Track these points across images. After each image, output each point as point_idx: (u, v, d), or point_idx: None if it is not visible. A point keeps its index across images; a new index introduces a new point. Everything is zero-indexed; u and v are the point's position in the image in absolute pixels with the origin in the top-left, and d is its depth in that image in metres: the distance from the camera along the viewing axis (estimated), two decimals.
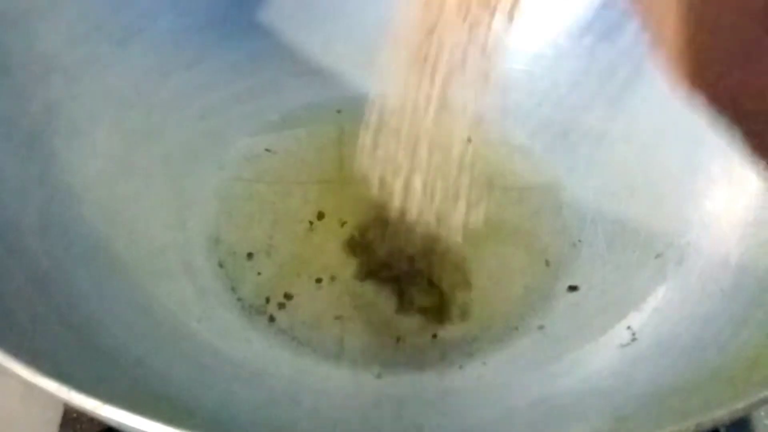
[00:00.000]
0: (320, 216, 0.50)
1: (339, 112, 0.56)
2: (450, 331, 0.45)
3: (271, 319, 0.45)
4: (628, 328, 0.42)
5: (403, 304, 0.45)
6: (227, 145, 0.53)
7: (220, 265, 0.47)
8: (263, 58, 0.56)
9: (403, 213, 0.48)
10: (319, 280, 0.47)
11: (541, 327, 0.45)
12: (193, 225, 0.48)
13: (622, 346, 0.41)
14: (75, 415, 0.43)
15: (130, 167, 0.48)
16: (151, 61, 0.52)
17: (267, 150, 0.54)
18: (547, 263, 0.48)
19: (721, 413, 0.27)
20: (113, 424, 0.28)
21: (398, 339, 0.44)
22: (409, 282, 0.46)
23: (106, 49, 0.50)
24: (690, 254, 0.44)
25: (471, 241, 0.48)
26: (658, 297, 0.43)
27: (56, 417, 0.45)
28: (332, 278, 0.47)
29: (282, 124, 0.55)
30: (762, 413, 0.42)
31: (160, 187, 0.49)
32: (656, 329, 0.41)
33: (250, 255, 0.48)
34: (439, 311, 0.45)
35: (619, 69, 0.53)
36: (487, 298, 0.46)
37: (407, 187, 0.45)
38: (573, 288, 0.46)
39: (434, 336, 0.44)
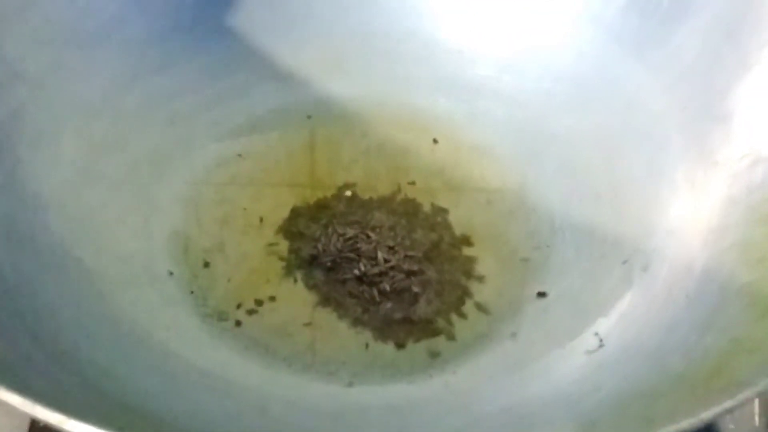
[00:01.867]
0: (290, 221, 0.50)
1: (309, 117, 0.56)
2: (419, 339, 0.45)
3: (241, 326, 0.45)
4: (596, 334, 0.42)
5: (370, 309, 0.45)
6: (197, 151, 0.53)
7: (190, 273, 0.47)
8: (233, 62, 0.56)
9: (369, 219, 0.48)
10: (290, 286, 0.47)
11: (513, 334, 0.45)
12: (161, 233, 0.48)
13: (590, 352, 0.42)
14: (42, 424, 0.43)
15: (97, 175, 0.48)
16: (118, 66, 0.52)
17: (238, 155, 0.53)
18: (515, 268, 0.48)
19: (685, 424, 0.27)
20: None
21: (367, 346, 0.44)
22: (377, 285, 0.46)
23: (72, 55, 0.50)
24: (655, 260, 0.44)
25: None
26: (625, 303, 0.44)
27: (23, 426, 0.44)
28: (303, 284, 0.47)
29: (252, 129, 0.55)
30: (727, 417, 0.42)
31: (128, 194, 0.48)
32: (622, 335, 0.42)
33: (219, 262, 0.47)
34: (408, 319, 0.45)
35: (585, 74, 0.54)
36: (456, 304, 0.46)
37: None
38: (542, 294, 0.46)
39: (403, 345, 0.44)
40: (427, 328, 0.45)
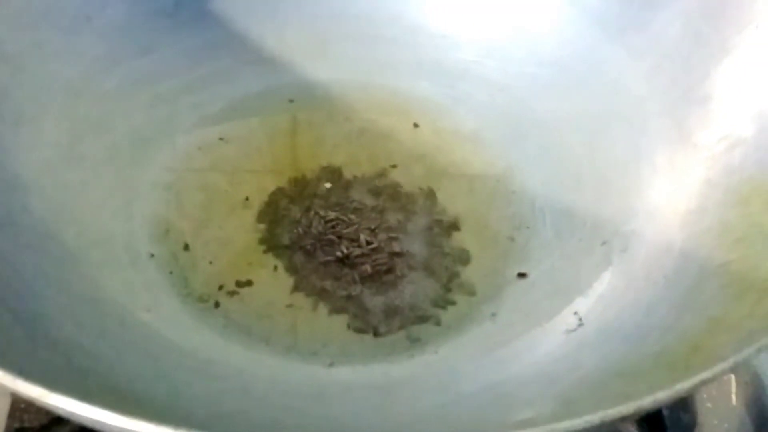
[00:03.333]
0: (271, 204, 0.50)
1: (291, 101, 0.56)
2: (401, 320, 0.45)
3: (222, 308, 0.45)
4: (575, 313, 0.43)
5: (352, 294, 0.46)
6: (178, 134, 0.53)
7: (170, 255, 0.46)
8: (215, 46, 0.56)
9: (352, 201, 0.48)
10: (272, 269, 0.47)
11: (493, 314, 0.45)
12: (143, 215, 0.48)
13: (569, 331, 0.42)
14: (23, 405, 0.43)
15: (78, 156, 0.48)
16: (100, 49, 0.52)
17: (220, 139, 0.53)
18: (497, 250, 0.48)
19: (662, 395, 0.27)
20: (61, 413, 0.28)
21: (348, 326, 0.44)
22: (358, 267, 0.46)
23: (53, 37, 0.49)
24: (634, 241, 0.45)
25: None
26: (604, 283, 0.44)
27: (4, 407, 0.44)
28: (285, 267, 0.47)
29: (234, 113, 0.55)
30: (705, 396, 0.43)
31: (109, 176, 0.48)
32: (602, 315, 0.42)
33: (200, 244, 0.47)
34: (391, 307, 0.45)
35: (568, 58, 0.54)
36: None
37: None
38: (522, 275, 0.46)
39: (385, 326, 0.44)
40: (411, 316, 0.45)
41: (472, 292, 0.46)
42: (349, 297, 0.45)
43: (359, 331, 0.44)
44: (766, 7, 0.45)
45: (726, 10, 0.47)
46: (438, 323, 0.44)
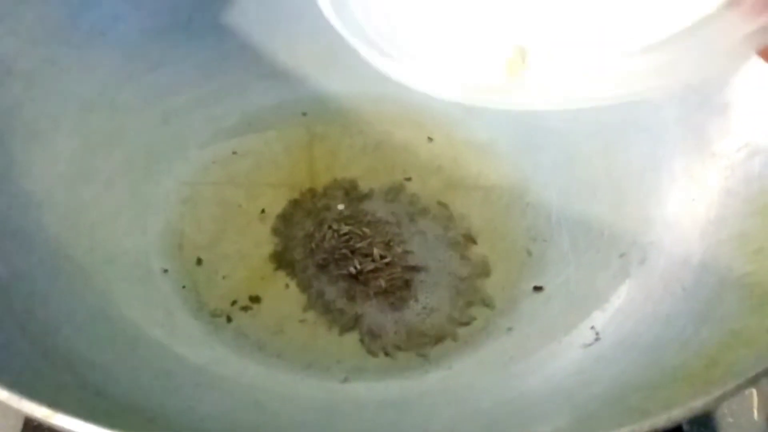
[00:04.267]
0: (286, 218, 0.49)
1: (305, 114, 0.55)
2: (417, 335, 0.44)
3: (235, 323, 0.44)
4: (592, 327, 0.42)
5: (364, 313, 0.45)
6: (192, 148, 0.53)
7: (184, 270, 0.46)
8: (228, 60, 0.56)
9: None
10: (284, 285, 0.46)
11: (509, 329, 0.44)
12: (156, 230, 0.48)
13: (586, 345, 0.41)
14: (36, 423, 0.43)
15: (91, 172, 0.48)
16: (112, 64, 0.51)
17: (234, 153, 0.53)
18: (513, 263, 0.47)
19: (678, 413, 0.27)
20: None
21: (362, 341, 0.44)
22: (371, 282, 0.46)
23: (66, 52, 0.49)
24: (652, 253, 0.44)
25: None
26: (621, 296, 0.43)
27: (17, 425, 0.44)
28: (297, 283, 0.46)
29: (248, 127, 0.55)
30: (726, 411, 0.42)
31: (122, 191, 0.48)
32: (619, 328, 0.41)
33: (213, 259, 0.47)
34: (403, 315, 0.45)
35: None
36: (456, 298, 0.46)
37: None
38: (538, 288, 0.46)
39: (397, 348, 0.44)
40: (427, 336, 0.44)
41: (489, 306, 0.45)
42: (361, 315, 0.45)
43: (371, 353, 0.43)
44: None
45: None
46: (454, 339, 0.44)
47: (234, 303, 0.45)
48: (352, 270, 0.46)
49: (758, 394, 0.42)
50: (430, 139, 0.54)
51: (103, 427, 0.26)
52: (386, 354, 0.43)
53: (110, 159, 0.49)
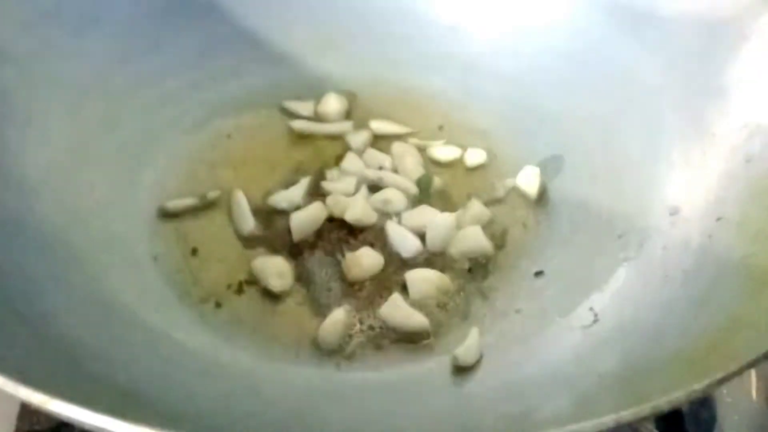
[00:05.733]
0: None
1: (300, 96, 0.55)
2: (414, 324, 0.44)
3: (231, 307, 0.44)
4: (590, 309, 0.42)
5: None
6: (187, 131, 0.52)
7: (180, 254, 0.46)
8: (223, 43, 0.56)
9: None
10: (280, 267, 0.46)
11: (510, 311, 0.44)
12: (151, 214, 0.48)
13: (585, 327, 0.41)
14: (32, 408, 0.42)
15: (86, 157, 0.47)
16: (107, 48, 0.51)
17: (228, 136, 0.53)
18: (512, 247, 0.47)
19: (678, 396, 0.27)
20: (64, 419, 0.28)
21: (361, 321, 0.43)
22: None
23: (60, 37, 0.49)
24: (651, 236, 0.44)
25: None
26: (620, 279, 0.43)
27: (14, 410, 0.44)
28: (296, 265, 0.46)
29: (244, 109, 0.54)
30: (724, 392, 0.42)
31: (117, 175, 0.48)
32: (618, 311, 0.41)
33: (209, 243, 0.47)
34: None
35: (581, 51, 0.53)
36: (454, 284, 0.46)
37: None
38: (539, 273, 0.46)
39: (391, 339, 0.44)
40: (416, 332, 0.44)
41: (488, 289, 0.45)
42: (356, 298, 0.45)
43: (369, 340, 0.43)
44: None
45: None
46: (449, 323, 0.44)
47: (229, 287, 0.45)
48: (345, 255, 0.46)
49: (757, 376, 0.42)
50: (426, 120, 0.54)
51: (100, 413, 0.26)
52: (381, 344, 0.43)
53: (105, 143, 0.49)
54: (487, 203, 0.49)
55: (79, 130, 0.48)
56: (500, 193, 0.50)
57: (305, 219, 0.47)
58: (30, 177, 0.44)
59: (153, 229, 0.47)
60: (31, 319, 0.37)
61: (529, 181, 0.50)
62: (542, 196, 0.50)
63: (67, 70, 0.49)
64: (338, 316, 0.43)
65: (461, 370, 0.41)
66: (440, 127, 0.54)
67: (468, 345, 0.41)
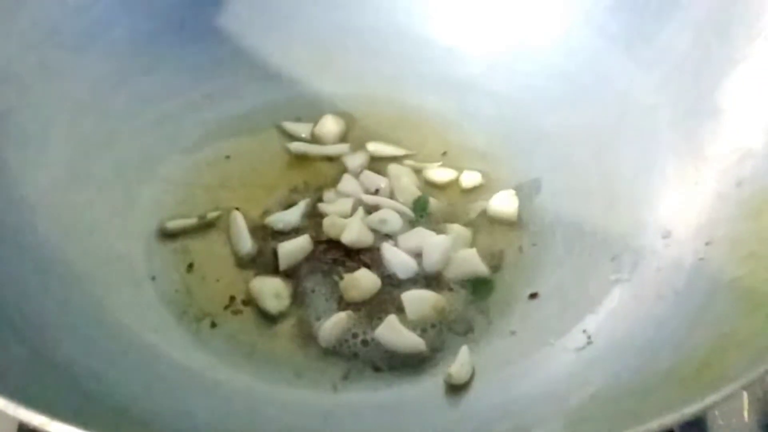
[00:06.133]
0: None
1: (299, 116, 0.55)
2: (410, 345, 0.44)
3: (228, 327, 0.44)
4: (584, 331, 0.42)
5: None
6: (185, 151, 0.53)
7: (177, 274, 0.46)
8: (221, 63, 0.56)
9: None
10: (276, 288, 0.46)
11: (512, 332, 0.44)
12: (149, 234, 0.48)
13: (578, 349, 0.41)
14: (30, 428, 0.43)
15: (85, 176, 0.48)
16: (106, 67, 0.52)
17: (227, 156, 0.53)
18: (506, 267, 0.47)
19: (671, 419, 0.27)
20: None
21: (356, 355, 0.43)
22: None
23: (59, 56, 0.50)
24: (645, 256, 0.44)
25: None
26: (614, 300, 0.43)
27: (12, 429, 0.44)
28: (293, 285, 0.46)
29: (241, 130, 0.55)
30: (717, 413, 0.42)
31: (116, 195, 0.48)
32: (611, 332, 0.42)
33: (207, 263, 0.47)
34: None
35: (576, 71, 0.54)
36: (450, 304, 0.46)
37: None
38: (533, 296, 0.46)
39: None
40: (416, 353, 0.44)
41: (483, 311, 0.45)
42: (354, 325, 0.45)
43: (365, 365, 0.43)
44: None
45: (735, 21, 0.47)
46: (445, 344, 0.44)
47: (226, 307, 0.45)
48: (341, 278, 0.46)
49: (749, 396, 0.42)
50: (423, 140, 0.54)
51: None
52: (376, 369, 0.43)
53: (103, 163, 0.49)
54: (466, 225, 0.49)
55: (77, 149, 0.48)
56: (472, 215, 0.50)
57: (291, 250, 0.47)
58: (29, 196, 0.45)
59: (151, 248, 0.47)
60: (29, 337, 0.38)
61: (503, 203, 0.50)
62: (521, 218, 0.50)
63: (66, 89, 0.49)
64: (341, 317, 0.44)
65: (455, 388, 0.41)
66: (444, 153, 0.54)
67: (460, 363, 0.42)
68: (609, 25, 0.53)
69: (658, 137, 0.49)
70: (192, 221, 0.49)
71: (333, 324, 0.44)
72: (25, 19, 0.48)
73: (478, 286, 0.46)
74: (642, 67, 0.51)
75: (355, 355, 0.43)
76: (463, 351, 0.42)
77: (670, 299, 0.41)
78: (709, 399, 0.27)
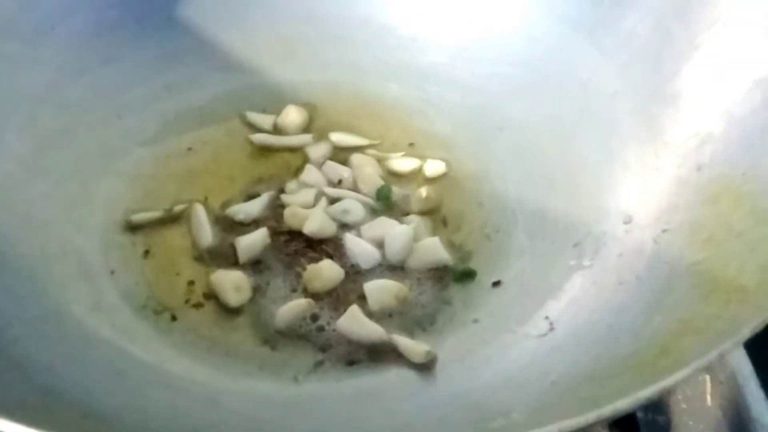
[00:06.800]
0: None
1: (261, 105, 0.55)
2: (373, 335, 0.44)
3: (189, 321, 0.44)
4: (546, 317, 0.42)
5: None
6: (145, 144, 0.52)
7: (137, 269, 0.46)
8: (182, 53, 0.56)
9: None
10: (237, 281, 0.45)
11: (475, 320, 0.44)
12: (108, 227, 0.47)
13: (540, 336, 0.41)
14: None
15: (42, 169, 0.47)
16: (63, 59, 0.51)
17: (189, 148, 0.53)
18: (469, 254, 0.47)
19: (625, 403, 0.27)
20: None
21: (318, 346, 0.43)
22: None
23: (15, 48, 0.49)
24: (606, 242, 0.45)
25: None
26: (575, 286, 0.43)
27: None
28: (255, 277, 0.46)
29: (203, 120, 0.54)
30: (679, 397, 0.42)
31: (74, 188, 0.48)
32: (573, 318, 0.42)
33: (167, 256, 0.47)
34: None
35: (538, 58, 0.54)
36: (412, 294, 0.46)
37: None
38: (497, 283, 0.46)
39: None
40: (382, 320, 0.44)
41: (446, 299, 0.45)
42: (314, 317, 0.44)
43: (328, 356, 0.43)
44: (733, 3, 0.45)
45: (694, 7, 0.47)
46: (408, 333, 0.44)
47: (187, 301, 0.45)
48: (303, 269, 0.46)
49: (711, 380, 0.43)
50: (386, 129, 0.54)
51: (45, 429, 0.26)
52: (341, 359, 0.43)
53: (62, 155, 0.48)
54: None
55: (34, 141, 0.48)
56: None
57: (249, 243, 0.46)
58: None
59: (110, 242, 0.46)
60: None
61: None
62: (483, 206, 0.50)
63: (23, 80, 0.49)
64: (300, 302, 0.44)
65: (419, 377, 0.41)
66: (410, 144, 0.53)
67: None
68: (571, 12, 0.53)
69: (619, 124, 0.49)
70: (157, 214, 0.48)
71: (290, 308, 0.43)
72: None
73: (460, 275, 0.46)
74: (604, 54, 0.51)
75: (318, 346, 0.43)
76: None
77: (631, 285, 0.41)
78: (663, 383, 0.27)
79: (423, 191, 0.50)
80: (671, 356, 0.34)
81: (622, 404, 0.26)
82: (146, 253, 0.47)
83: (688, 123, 0.45)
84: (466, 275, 0.46)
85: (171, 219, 0.48)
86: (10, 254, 0.42)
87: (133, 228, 0.47)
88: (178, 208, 0.48)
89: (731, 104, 0.43)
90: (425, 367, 0.41)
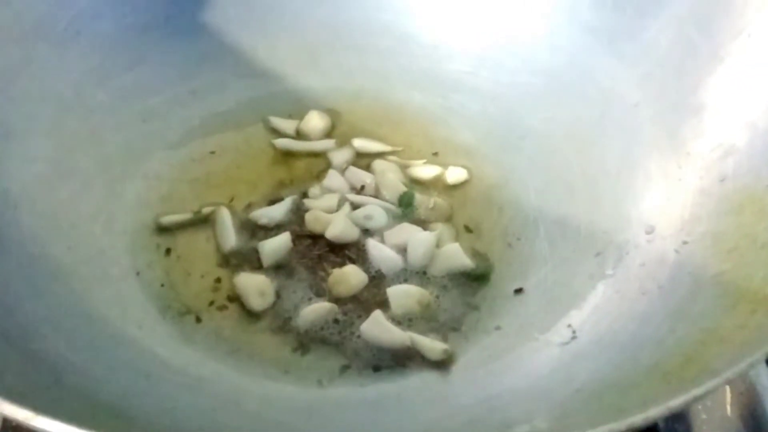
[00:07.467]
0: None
1: (284, 111, 0.55)
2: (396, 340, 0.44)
3: (213, 323, 0.44)
4: (569, 326, 0.42)
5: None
6: (170, 147, 0.53)
7: (162, 270, 0.46)
8: (206, 59, 0.56)
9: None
10: (260, 285, 0.46)
11: (497, 327, 0.44)
12: (134, 229, 0.48)
13: (563, 344, 0.42)
14: (14, 423, 0.42)
15: (69, 171, 0.48)
16: (90, 62, 0.51)
17: (212, 152, 0.53)
18: (492, 263, 0.48)
19: (656, 412, 0.27)
20: None
21: (342, 351, 0.43)
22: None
23: (43, 51, 0.49)
24: (629, 252, 0.45)
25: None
26: (598, 295, 0.44)
27: None
28: (281, 281, 0.46)
29: (226, 125, 0.55)
30: (699, 407, 0.43)
31: (100, 190, 0.48)
32: (595, 327, 0.42)
33: (192, 258, 0.47)
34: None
35: (560, 67, 0.54)
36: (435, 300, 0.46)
37: None
38: (518, 291, 0.46)
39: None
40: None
41: (469, 306, 0.45)
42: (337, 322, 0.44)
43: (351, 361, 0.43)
44: (758, 15, 0.45)
45: (718, 18, 0.47)
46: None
47: (211, 303, 0.45)
48: (326, 274, 0.46)
49: (731, 391, 0.43)
50: (408, 136, 0.54)
51: (84, 428, 0.26)
52: (365, 364, 0.43)
53: (88, 158, 0.49)
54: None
55: (61, 144, 0.48)
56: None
57: (272, 248, 0.47)
58: (12, 191, 0.44)
59: (136, 244, 0.47)
60: (12, 332, 0.37)
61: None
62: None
63: (50, 84, 0.49)
64: (323, 304, 0.44)
65: (441, 382, 0.42)
66: (435, 154, 0.54)
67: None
68: (593, 21, 0.53)
69: (641, 133, 0.49)
70: (186, 216, 0.49)
71: (314, 309, 0.44)
72: (9, 11, 0.48)
73: (476, 277, 0.46)
74: (625, 64, 0.51)
75: (342, 351, 0.43)
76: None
77: (654, 294, 0.41)
78: (693, 393, 0.28)
79: (431, 200, 0.50)
80: (696, 366, 0.34)
81: (653, 412, 0.27)
82: (171, 254, 0.47)
83: (711, 134, 0.45)
84: (481, 276, 0.46)
85: (198, 221, 0.49)
86: (37, 255, 0.43)
87: (158, 230, 0.48)
88: (206, 210, 0.49)
89: (755, 116, 0.43)
90: (443, 365, 0.42)
